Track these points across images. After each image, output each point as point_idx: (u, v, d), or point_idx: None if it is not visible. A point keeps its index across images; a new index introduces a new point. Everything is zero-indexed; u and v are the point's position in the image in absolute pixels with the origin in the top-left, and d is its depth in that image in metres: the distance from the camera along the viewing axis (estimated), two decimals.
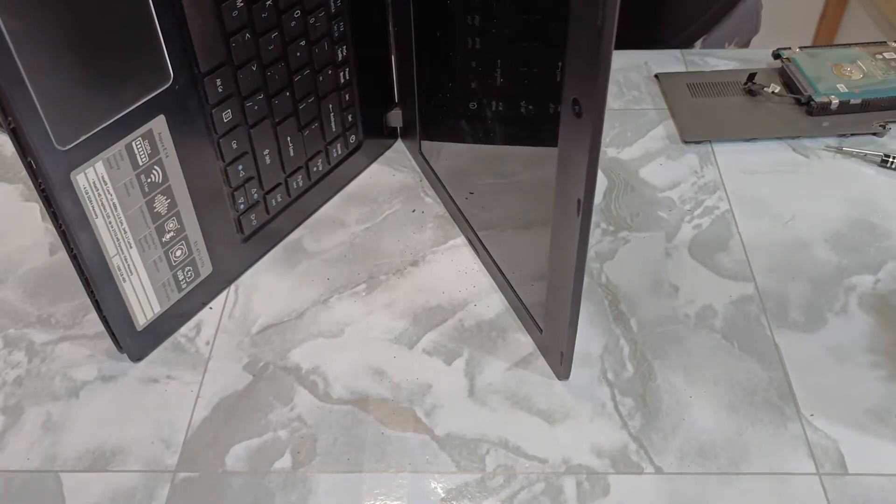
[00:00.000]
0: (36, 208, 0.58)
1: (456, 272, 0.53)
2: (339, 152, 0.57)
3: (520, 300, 0.49)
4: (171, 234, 0.46)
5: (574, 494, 0.41)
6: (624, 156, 0.61)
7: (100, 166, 0.40)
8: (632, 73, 0.69)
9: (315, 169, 0.55)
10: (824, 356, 0.47)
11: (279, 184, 0.53)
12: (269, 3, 0.46)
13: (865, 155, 0.60)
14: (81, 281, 0.43)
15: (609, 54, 0.31)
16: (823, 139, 0.62)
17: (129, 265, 0.44)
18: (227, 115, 0.46)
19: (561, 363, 0.45)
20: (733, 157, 0.60)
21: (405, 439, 0.44)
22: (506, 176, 0.51)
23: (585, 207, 0.36)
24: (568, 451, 0.43)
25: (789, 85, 0.65)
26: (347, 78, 0.55)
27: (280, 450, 0.44)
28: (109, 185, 0.41)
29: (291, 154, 0.52)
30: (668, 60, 0.70)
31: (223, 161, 0.48)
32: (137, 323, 0.47)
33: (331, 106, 0.54)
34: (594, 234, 0.55)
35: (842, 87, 0.63)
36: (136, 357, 0.48)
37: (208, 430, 0.45)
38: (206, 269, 0.50)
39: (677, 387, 0.46)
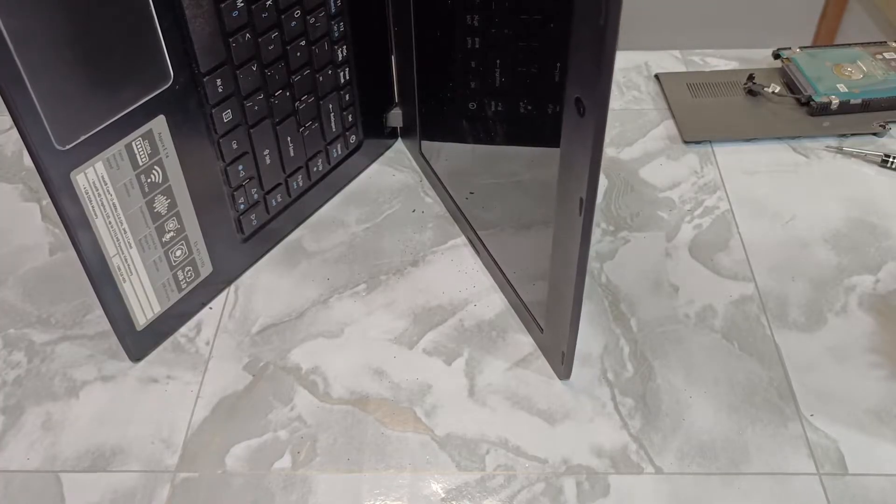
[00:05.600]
0: (36, 208, 0.58)
1: (456, 272, 0.53)
2: (339, 152, 0.57)
3: (520, 300, 0.49)
4: (171, 234, 0.46)
5: (574, 494, 0.41)
6: (624, 156, 0.61)
7: (100, 166, 0.40)
8: (632, 73, 0.69)
9: (315, 169, 0.55)
10: (824, 356, 0.47)
11: (279, 184, 0.53)
12: (269, 2, 0.46)
13: (865, 155, 0.60)
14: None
15: (613, 53, 0.31)
16: (823, 139, 0.62)
17: (129, 265, 0.44)
18: (227, 115, 0.46)
19: (562, 363, 0.45)
20: (733, 157, 0.60)
21: (405, 439, 0.44)
22: (506, 176, 0.51)
23: (588, 206, 0.36)
24: (568, 451, 0.43)
25: (789, 85, 0.65)
26: (347, 78, 0.55)
27: (280, 450, 0.44)
28: (109, 185, 0.41)
29: (291, 154, 0.52)
30: (668, 60, 0.70)
31: (223, 161, 0.48)
32: (137, 323, 0.47)
33: (331, 106, 0.54)
34: (594, 234, 0.55)
35: (842, 87, 0.63)
36: (136, 357, 0.48)
37: (208, 430, 0.45)
38: (206, 269, 0.50)
39: (677, 387, 0.46)
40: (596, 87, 0.32)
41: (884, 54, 0.66)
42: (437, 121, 0.57)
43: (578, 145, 0.35)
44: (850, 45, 0.68)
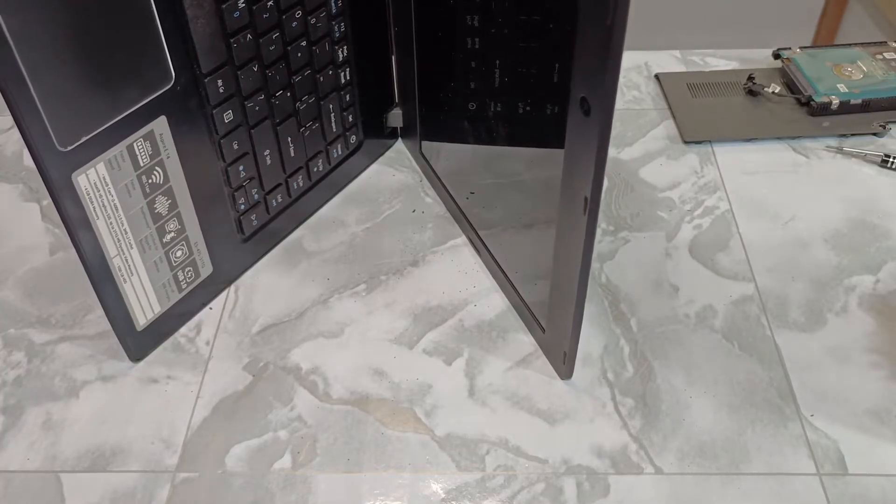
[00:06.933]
0: (36, 208, 0.58)
1: (456, 272, 0.53)
2: (340, 152, 0.57)
3: (522, 300, 0.49)
4: (172, 234, 0.46)
5: (574, 494, 0.41)
6: (624, 156, 0.61)
7: (101, 167, 0.41)
8: (632, 73, 0.69)
9: (315, 169, 0.55)
10: (824, 356, 0.47)
11: (279, 184, 0.53)
12: (269, 3, 0.46)
13: (865, 155, 0.60)
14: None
15: (619, 53, 0.31)
16: (824, 139, 0.62)
17: (129, 266, 0.44)
18: (227, 116, 0.46)
19: (564, 362, 0.45)
20: (733, 157, 0.60)
21: (405, 439, 0.44)
22: (507, 175, 0.51)
23: (592, 206, 0.36)
24: (568, 451, 0.43)
25: (789, 85, 0.65)
26: (348, 78, 0.55)
27: (280, 450, 0.44)
28: (111, 185, 0.41)
29: (292, 154, 0.53)
30: (668, 60, 0.70)
31: (224, 161, 0.48)
32: (137, 323, 0.47)
33: (331, 106, 0.54)
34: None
35: (842, 88, 0.63)
36: (136, 357, 0.48)
37: (208, 430, 0.45)
38: (206, 269, 0.50)
39: (677, 387, 0.46)
40: (602, 86, 0.32)
41: (884, 54, 0.66)
42: (437, 121, 0.57)
43: (583, 145, 0.35)
44: (850, 45, 0.68)
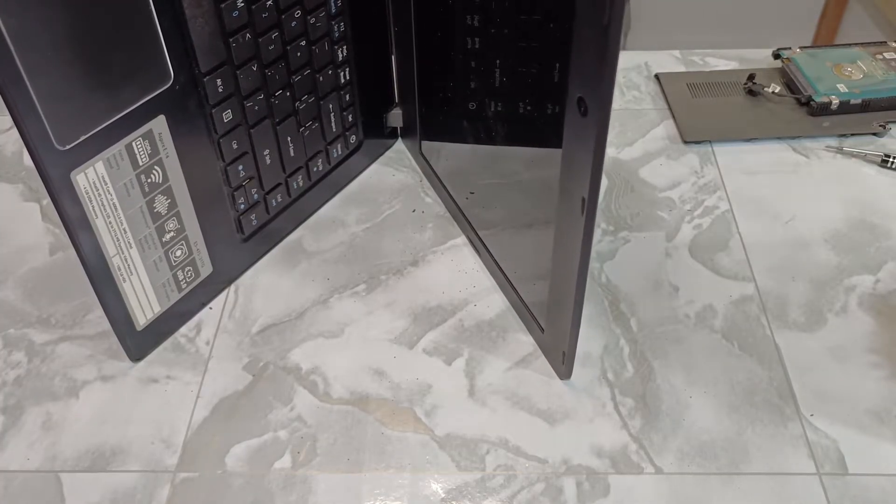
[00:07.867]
0: (36, 208, 0.58)
1: (456, 272, 0.53)
2: (340, 152, 0.57)
3: (521, 300, 0.49)
4: (172, 234, 0.46)
5: (574, 494, 0.41)
6: (624, 156, 0.61)
7: (100, 166, 0.40)
8: (632, 73, 0.69)
9: (315, 169, 0.55)
10: (824, 356, 0.47)
11: (279, 184, 0.53)
12: (269, 2, 0.46)
13: (865, 155, 0.60)
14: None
15: (616, 54, 0.31)
16: (823, 139, 0.62)
17: (129, 265, 0.44)
18: (227, 115, 0.46)
19: (563, 363, 0.45)
20: (733, 157, 0.60)
21: (405, 439, 0.44)
22: (507, 175, 0.51)
23: (590, 206, 0.36)
24: (568, 451, 0.43)
25: (789, 85, 0.65)
26: (348, 78, 0.55)
27: (280, 450, 0.44)
28: (110, 185, 0.41)
29: (291, 154, 0.52)
30: (668, 60, 0.70)
31: (223, 161, 0.48)
32: (137, 323, 0.47)
33: (331, 106, 0.54)
34: (594, 234, 0.55)
35: (842, 88, 0.63)
36: (136, 357, 0.48)
37: (208, 430, 0.45)
38: (206, 269, 0.50)
39: (677, 387, 0.46)
40: (598, 86, 0.32)
41: (884, 54, 0.66)
42: (437, 121, 0.57)
43: (580, 145, 0.35)
44: (850, 45, 0.68)
